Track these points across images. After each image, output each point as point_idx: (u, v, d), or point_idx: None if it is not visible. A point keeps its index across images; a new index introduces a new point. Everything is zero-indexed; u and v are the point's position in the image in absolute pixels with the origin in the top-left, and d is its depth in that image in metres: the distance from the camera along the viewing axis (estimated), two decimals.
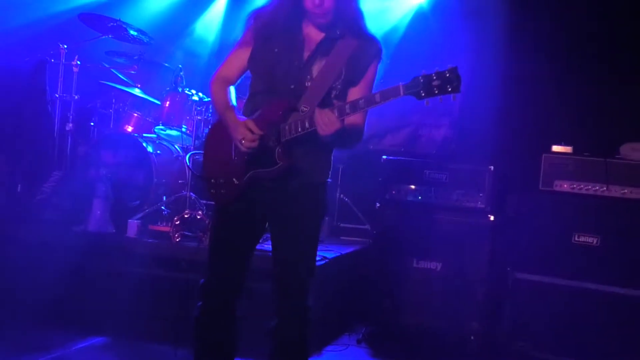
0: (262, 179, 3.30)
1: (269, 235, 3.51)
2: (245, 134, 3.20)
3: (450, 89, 2.94)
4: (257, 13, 3.40)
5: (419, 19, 7.20)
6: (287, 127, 3.22)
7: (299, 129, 3.19)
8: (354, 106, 3.10)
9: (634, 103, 5.94)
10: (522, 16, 6.34)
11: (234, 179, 3.34)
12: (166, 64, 6.85)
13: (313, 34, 3.35)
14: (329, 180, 3.49)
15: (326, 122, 3.09)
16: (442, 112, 6.76)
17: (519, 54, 6.28)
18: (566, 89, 6.15)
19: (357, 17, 3.34)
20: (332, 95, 3.31)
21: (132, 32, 6.38)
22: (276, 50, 3.33)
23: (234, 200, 3.37)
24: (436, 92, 2.95)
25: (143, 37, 6.52)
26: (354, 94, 3.34)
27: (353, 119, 3.23)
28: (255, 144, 3.21)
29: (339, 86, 3.31)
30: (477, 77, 6.34)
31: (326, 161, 3.45)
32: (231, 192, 3.36)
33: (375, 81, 3.41)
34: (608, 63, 6.05)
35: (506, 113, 6.32)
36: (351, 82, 3.34)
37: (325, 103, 3.25)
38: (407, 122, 6.89)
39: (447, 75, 2.94)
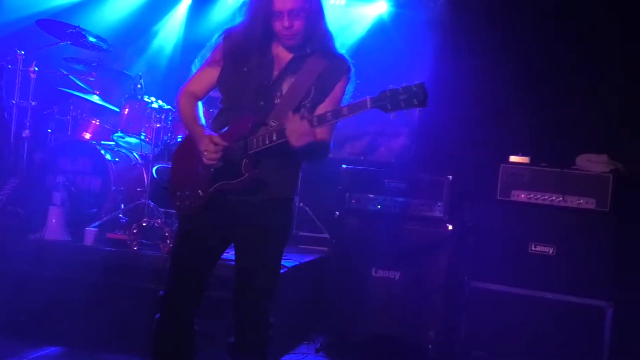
0: (228, 192, 3.31)
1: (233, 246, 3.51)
2: (208, 146, 3.22)
3: (416, 103, 2.97)
4: (228, 33, 3.44)
5: (379, 29, 7.24)
6: (254, 140, 3.23)
7: (267, 142, 3.20)
8: (322, 119, 3.12)
9: (590, 115, 6.04)
10: (481, 28, 6.41)
11: (200, 191, 3.35)
12: (125, 71, 6.80)
13: (282, 54, 3.39)
14: (295, 197, 3.50)
15: (300, 132, 3.10)
16: (401, 122, 6.79)
17: (477, 63, 6.35)
18: (524, 100, 6.23)
19: (326, 38, 3.39)
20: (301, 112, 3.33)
21: (91, 38, 6.31)
22: (245, 69, 3.36)
23: (198, 213, 3.37)
24: (403, 105, 2.98)
25: (102, 43, 6.46)
26: (321, 109, 3.35)
27: (320, 133, 3.25)
28: (217, 155, 3.22)
29: (308, 104, 3.33)
30: (436, 86, 6.39)
31: (293, 176, 3.49)
32: (196, 204, 3.36)
33: (345, 100, 3.43)
34: (566, 76, 6.15)
35: (465, 123, 6.39)
36: (319, 102, 3.36)
37: None
38: (366, 131, 6.91)
39: (414, 89, 2.97)
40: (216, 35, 3.48)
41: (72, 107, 6.42)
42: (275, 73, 3.36)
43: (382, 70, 6.46)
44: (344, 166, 5.74)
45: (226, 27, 3.48)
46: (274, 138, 3.17)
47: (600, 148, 5.32)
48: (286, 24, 3.24)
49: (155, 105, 6.20)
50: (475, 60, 6.37)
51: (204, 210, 3.35)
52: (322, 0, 3.38)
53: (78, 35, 6.25)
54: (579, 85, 6.10)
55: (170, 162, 3.77)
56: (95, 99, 6.44)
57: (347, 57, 3.46)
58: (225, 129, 3.35)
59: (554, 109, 6.14)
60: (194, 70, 3.55)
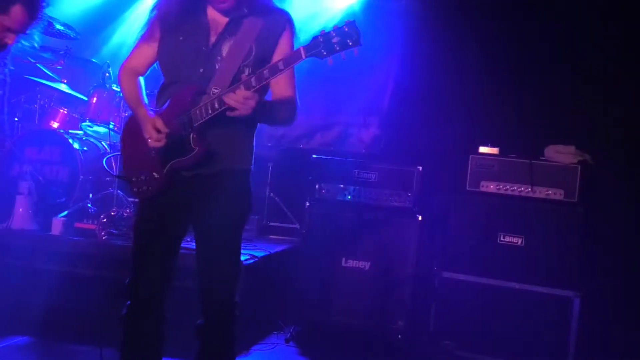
0: (181, 169, 3.26)
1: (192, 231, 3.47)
2: (151, 133, 3.17)
3: (351, 44, 2.94)
4: (159, 3, 3.36)
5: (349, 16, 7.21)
6: (197, 111, 3.17)
7: (209, 111, 3.14)
8: (259, 77, 3.07)
9: (559, 105, 6.09)
10: (450, 17, 6.42)
11: (154, 173, 3.29)
12: (93, 60, 6.73)
13: (218, 18, 3.32)
14: (251, 167, 3.44)
15: (240, 100, 3.05)
16: (370, 112, 6.82)
17: (447, 54, 6.37)
18: (494, 91, 6.26)
19: None
20: (245, 73, 3.25)
21: (58, 26, 6.22)
22: (181, 38, 3.29)
23: (156, 195, 3.31)
24: (337, 48, 2.95)
25: (70, 32, 6.37)
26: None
27: (279, 91, 3.26)
28: (162, 143, 3.18)
29: (250, 64, 3.26)
30: (406, 77, 6.43)
31: (246, 147, 3.39)
32: (154, 187, 3.30)
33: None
34: (536, 66, 6.18)
35: (435, 114, 6.41)
36: (263, 59, 3.28)
37: (235, 82, 3.19)
38: (336, 121, 6.93)
39: (346, 29, 2.94)
40: (150, 10, 3.40)
41: (39, 96, 6.35)
42: (213, 38, 3.29)
43: (352, 60, 6.46)
44: (314, 156, 5.74)
45: None
46: (216, 106, 3.12)
47: (568, 139, 5.36)
48: None
49: None
50: (445, 50, 6.39)
51: (161, 191, 3.29)
52: None
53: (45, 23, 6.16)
54: (549, 75, 6.14)
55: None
56: (63, 87, 6.37)
57: (285, 10, 3.40)
58: (166, 104, 3.28)
59: (523, 99, 6.17)
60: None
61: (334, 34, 2.94)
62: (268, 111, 3.23)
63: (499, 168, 5.30)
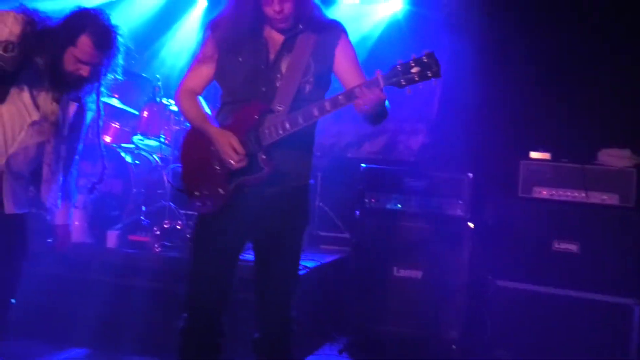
0: (247, 186, 3.27)
1: (251, 244, 3.49)
2: (231, 156, 3.19)
3: (430, 75, 2.96)
4: (214, 23, 3.38)
5: (394, 27, 7.21)
6: (266, 131, 3.20)
7: (280, 131, 3.18)
8: (334, 102, 3.11)
9: (611, 109, 5.99)
10: (499, 23, 6.37)
11: (219, 189, 3.30)
12: (144, 74, 6.82)
13: (275, 36, 3.34)
14: (311, 181, 3.47)
15: (373, 99, 3.06)
16: (419, 119, 6.80)
17: (496, 60, 6.32)
18: (544, 95, 6.18)
19: (314, 10, 3.33)
20: (306, 90, 3.29)
21: None
22: (241, 59, 3.32)
23: (219, 211, 3.32)
24: (416, 79, 2.96)
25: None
26: (348, 78, 3.33)
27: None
28: (244, 163, 3.20)
29: (311, 79, 3.29)
30: (454, 83, 6.39)
31: (308, 163, 3.43)
32: (217, 203, 3.31)
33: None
34: (586, 70, 6.10)
35: (484, 119, 6.35)
36: (322, 73, 3.33)
37: (298, 99, 3.24)
38: (384, 129, 6.91)
39: (425, 60, 2.96)
40: (203, 30, 3.43)
41: None
42: (272, 56, 3.31)
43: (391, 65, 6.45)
44: (363, 165, 5.72)
45: (210, 19, 3.43)
46: (287, 127, 3.16)
47: (622, 143, 5.28)
48: (277, 8, 3.19)
49: (174, 108, 6.23)
50: (492, 55, 6.34)
51: (225, 207, 3.30)
52: None
53: None
54: (600, 79, 6.05)
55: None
56: (114, 102, 6.45)
57: (336, 20, 3.42)
58: (231, 120, 3.31)
59: (574, 102, 6.09)
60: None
61: (413, 65, 2.96)
62: (378, 115, 3.26)
63: (552, 173, 5.24)
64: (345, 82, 3.36)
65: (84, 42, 3.40)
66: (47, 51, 3.44)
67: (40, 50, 3.44)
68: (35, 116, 3.53)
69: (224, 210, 3.31)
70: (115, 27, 3.52)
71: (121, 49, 3.55)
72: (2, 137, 3.49)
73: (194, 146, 3.44)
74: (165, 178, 6.09)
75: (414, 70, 2.95)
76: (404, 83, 2.98)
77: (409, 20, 7.13)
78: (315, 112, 3.13)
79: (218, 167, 3.30)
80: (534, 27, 6.27)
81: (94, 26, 3.42)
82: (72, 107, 3.65)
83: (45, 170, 3.63)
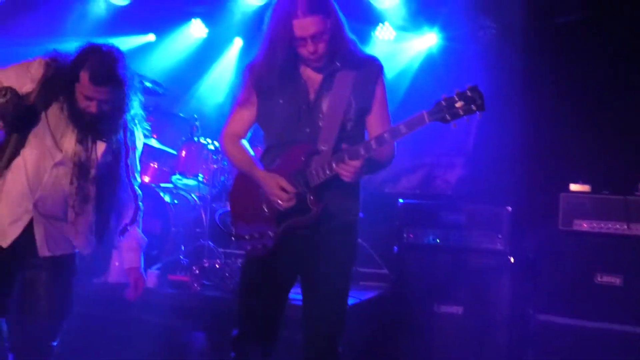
0: (297, 228, 3.28)
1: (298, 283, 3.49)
2: (280, 196, 3.21)
3: (475, 108, 2.94)
4: (251, 66, 3.41)
5: (429, 62, 7.23)
6: (313, 172, 3.21)
7: (327, 172, 3.18)
8: (380, 141, 3.10)
9: None
10: (537, 51, 6.35)
11: (269, 232, 3.32)
12: (181, 114, 6.91)
13: (313, 75, 3.36)
14: (360, 215, 3.45)
15: (351, 170, 3.11)
16: (455, 152, 6.78)
17: (533, 91, 6.29)
18: (582, 126, 6.11)
19: (350, 46, 3.34)
20: (348, 128, 3.30)
21: (147, 84, 6.43)
22: (281, 101, 3.34)
23: (269, 253, 3.33)
24: (461, 113, 2.95)
25: (158, 88, 6.58)
26: (374, 119, 3.36)
27: (379, 151, 3.23)
28: (293, 203, 3.21)
29: (352, 116, 3.31)
30: (491, 116, 6.34)
31: (355, 200, 3.42)
32: (268, 245, 3.33)
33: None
34: (624, 100, 6.03)
35: (522, 152, 6.32)
36: (363, 110, 3.34)
37: (341, 137, 3.25)
38: (421, 163, 6.90)
39: (469, 94, 2.94)
40: (241, 73, 3.46)
41: None
42: (312, 96, 3.33)
43: (436, 98, 6.45)
44: (400, 201, 5.70)
45: (248, 62, 3.45)
46: (334, 166, 3.15)
47: None
48: (311, 49, 3.21)
49: (211, 147, 6.29)
50: (530, 87, 6.32)
51: (275, 249, 3.32)
52: (339, 11, 3.31)
53: None
54: (638, 109, 5.98)
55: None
56: (153, 142, 6.55)
57: (374, 56, 3.42)
58: (278, 162, 3.33)
59: (613, 134, 6.02)
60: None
61: (457, 99, 2.95)
62: (369, 170, 3.25)
63: (592, 206, 5.16)
64: (370, 121, 3.38)
65: (83, 77, 3.39)
66: (62, 91, 3.47)
67: (58, 90, 3.47)
68: (58, 157, 3.53)
69: (273, 251, 3.32)
70: (116, 60, 3.46)
71: (128, 82, 3.50)
72: (26, 181, 3.49)
73: (242, 190, 3.47)
74: (205, 216, 6.14)
75: (459, 104, 2.94)
76: (449, 118, 2.96)
77: (443, 54, 7.14)
78: (362, 152, 3.12)
79: (267, 210, 3.32)
80: (570, 58, 6.23)
81: (92, 61, 3.40)
82: (101, 147, 3.61)
83: (70, 212, 3.60)
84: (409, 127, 3.04)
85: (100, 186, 3.66)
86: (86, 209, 3.62)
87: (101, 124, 3.54)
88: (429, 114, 3.00)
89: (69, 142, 3.55)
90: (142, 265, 3.82)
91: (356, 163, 3.11)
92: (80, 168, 3.57)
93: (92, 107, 3.45)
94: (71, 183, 3.57)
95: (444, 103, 2.97)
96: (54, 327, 3.73)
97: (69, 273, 3.76)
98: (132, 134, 3.73)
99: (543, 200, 5.71)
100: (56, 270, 3.66)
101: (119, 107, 3.53)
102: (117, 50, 3.54)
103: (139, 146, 3.83)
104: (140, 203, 3.82)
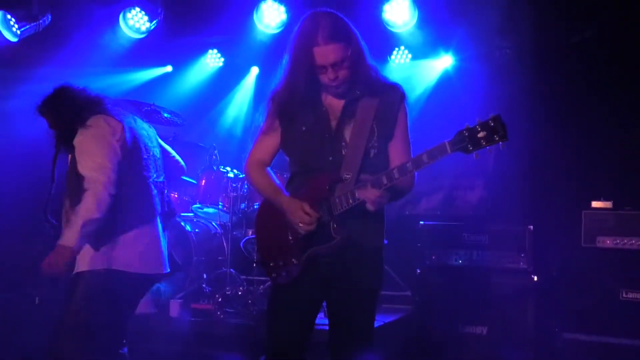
0: (320, 256, 3.28)
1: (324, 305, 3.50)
2: (302, 218, 3.21)
3: (497, 139, 2.91)
4: (274, 94, 3.41)
5: (446, 83, 7.24)
6: (337, 200, 3.21)
7: (350, 201, 3.18)
8: (403, 170, 3.10)
9: None
10: (554, 70, 6.35)
11: (293, 259, 3.32)
12: (200, 144, 6.95)
13: (334, 103, 3.36)
14: (385, 242, 3.44)
15: (372, 198, 3.11)
16: (475, 173, 6.76)
17: (552, 110, 6.28)
18: (601, 143, 6.10)
19: (371, 73, 3.34)
20: (371, 155, 3.30)
21: (165, 114, 6.49)
22: (304, 128, 3.34)
23: (294, 280, 3.34)
24: (484, 143, 2.92)
25: (176, 118, 6.63)
26: (395, 147, 3.35)
27: (397, 158, 3.26)
28: (313, 227, 3.22)
29: (376, 144, 3.30)
30: (510, 135, 6.33)
31: (380, 226, 3.41)
32: (292, 273, 3.33)
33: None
34: None
35: (542, 171, 6.29)
36: (387, 137, 3.34)
37: (365, 165, 3.25)
38: (441, 185, 6.88)
39: (492, 124, 2.92)
40: (265, 101, 3.46)
41: None
42: (334, 123, 3.33)
43: (453, 122, 6.45)
44: (421, 222, 5.70)
45: (271, 89, 3.46)
46: (357, 196, 3.15)
47: None
48: (332, 76, 3.22)
49: (230, 175, 6.32)
50: (549, 106, 6.30)
51: (299, 276, 3.32)
52: (360, 38, 3.31)
53: (154, 112, 6.43)
54: None
55: (252, 233, 3.74)
56: None
57: (397, 83, 3.41)
58: (303, 191, 3.33)
59: (633, 150, 5.99)
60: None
61: (479, 129, 2.93)
62: (395, 195, 3.25)
63: (615, 222, 5.14)
64: (391, 148, 3.37)
65: None
66: None
67: None
68: None
69: (298, 279, 3.33)
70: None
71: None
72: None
73: (267, 218, 3.47)
74: (226, 244, 6.15)
75: (481, 134, 2.92)
76: (471, 148, 2.95)
77: (459, 76, 7.15)
78: (385, 181, 3.12)
79: (291, 238, 3.33)
80: (588, 76, 6.22)
81: None
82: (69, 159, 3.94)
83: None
84: (431, 157, 3.04)
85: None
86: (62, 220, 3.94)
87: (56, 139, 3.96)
88: (450, 144, 2.98)
89: None
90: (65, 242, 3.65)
91: (379, 192, 3.11)
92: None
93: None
94: None
95: (466, 133, 2.95)
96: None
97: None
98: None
99: (565, 217, 5.68)
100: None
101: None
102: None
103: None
104: None
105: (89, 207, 3.60)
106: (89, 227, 3.59)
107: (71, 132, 3.82)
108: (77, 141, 3.79)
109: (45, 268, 3.58)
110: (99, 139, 3.78)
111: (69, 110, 3.88)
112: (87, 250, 3.74)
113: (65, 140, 3.87)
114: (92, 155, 3.73)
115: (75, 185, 3.73)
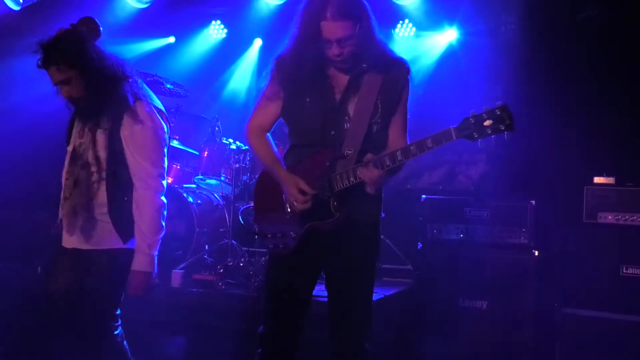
0: (319, 231, 3.28)
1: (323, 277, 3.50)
2: (297, 197, 3.21)
3: (503, 128, 2.89)
4: (279, 59, 3.37)
5: (450, 57, 7.20)
6: (338, 177, 3.20)
7: (352, 179, 3.18)
8: (406, 153, 3.08)
9: None
10: (559, 46, 6.31)
11: (291, 233, 3.32)
12: (202, 115, 6.94)
13: (339, 76, 3.33)
14: (382, 215, 3.45)
15: (374, 179, 3.12)
16: (478, 148, 6.75)
17: (556, 84, 6.25)
18: (605, 119, 6.08)
19: (379, 47, 3.31)
20: (374, 131, 3.28)
21: (168, 85, 6.48)
22: (308, 100, 3.31)
23: (292, 253, 3.34)
24: (489, 132, 2.90)
25: (179, 89, 6.62)
26: (394, 123, 3.34)
27: (396, 138, 3.27)
28: (307, 205, 3.22)
29: (379, 120, 3.29)
30: (512, 109, 6.32)
31: (378, 201, 3.41)
32: (290, 245, 3.33)
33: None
34: None
35: (545, 146, 6.27)
36: (390, 113, 3.32)
37: (367, 141, 3.24)
38: (443, 160, 6.88)
39: (498, 113, 2.90)
40: (269, 65, 3.42)
41: None
42: (337, 97, 3.30)
43: (457, 96, 6.44)
44: (423, 196, 5.70)
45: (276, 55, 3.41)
46: (359, 174, 3.15)
47: None
48: (336, 52, 3.19)
49: (233, 147, 6.31)
50: (550, 80, 6.28)
51: (298, 249, 3.33)
52: (371, 16, 3.26)
53: (156, 83, 6.41)
54: None
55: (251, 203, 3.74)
56: (175, 143, 6.57)
57: (403, 59, 3.38)
58: (302, 165, 3.32)
59: (636, 126, 5.97)
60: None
61: (485, 117, 2.90)
62: (393, 172, 3.23)
63: (616, 198, 5.14)
64: (390, 123, 3.36)
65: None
66: None
67: None
68: (71, 149, 3.67)
69: (295, 250, 3.33)
70: (54, 41, 3.59)
71: (70, 60, 3.53)
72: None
73: (266, 188, 3.46)
74: (228, 216, 6.16)
75: (487, 123, 2.89)
76: (476, 136, 2.92)
77: (463, 50, 7.11)
78: (387, 162, 3.11)
79: (290, 211, 3.32)
80: (592, 52, 6.18)
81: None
82: (100, 136, 3.57)
83: (61, 201, 3.65)
84: (436, 142, 3.02)
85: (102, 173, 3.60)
86: (77, 200, 3.58)
87: (82, 110, 3.63)
88: (456, 130, 2.96)
89: (75, 134, 3.70)
90: (145, 268, 3.65)
91: (380, 172, 3.10)
92: (78, 157, 3.61)
93: (63, 92, 3.58)
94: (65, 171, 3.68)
95: (472, 120, 2.93)
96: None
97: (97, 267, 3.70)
98: (119, 119, 3.57)
99: (567, 193, 5.68)
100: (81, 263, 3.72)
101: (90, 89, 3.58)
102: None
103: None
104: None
105: (154, 223, 3.61)
106: (158, 240, 3.66)
107: (102, 104, 3.56)
108: (133, 131, 3.50)
109: (134, 297, 3.62)
110: (160, 142, 3.59)
111: (108, 76, 3.58)
112: (109, 229, 3.63)
113: (96, 111, 3.56)
114: (156, 159, 3.56)
115: (115, 170, 3.53)
